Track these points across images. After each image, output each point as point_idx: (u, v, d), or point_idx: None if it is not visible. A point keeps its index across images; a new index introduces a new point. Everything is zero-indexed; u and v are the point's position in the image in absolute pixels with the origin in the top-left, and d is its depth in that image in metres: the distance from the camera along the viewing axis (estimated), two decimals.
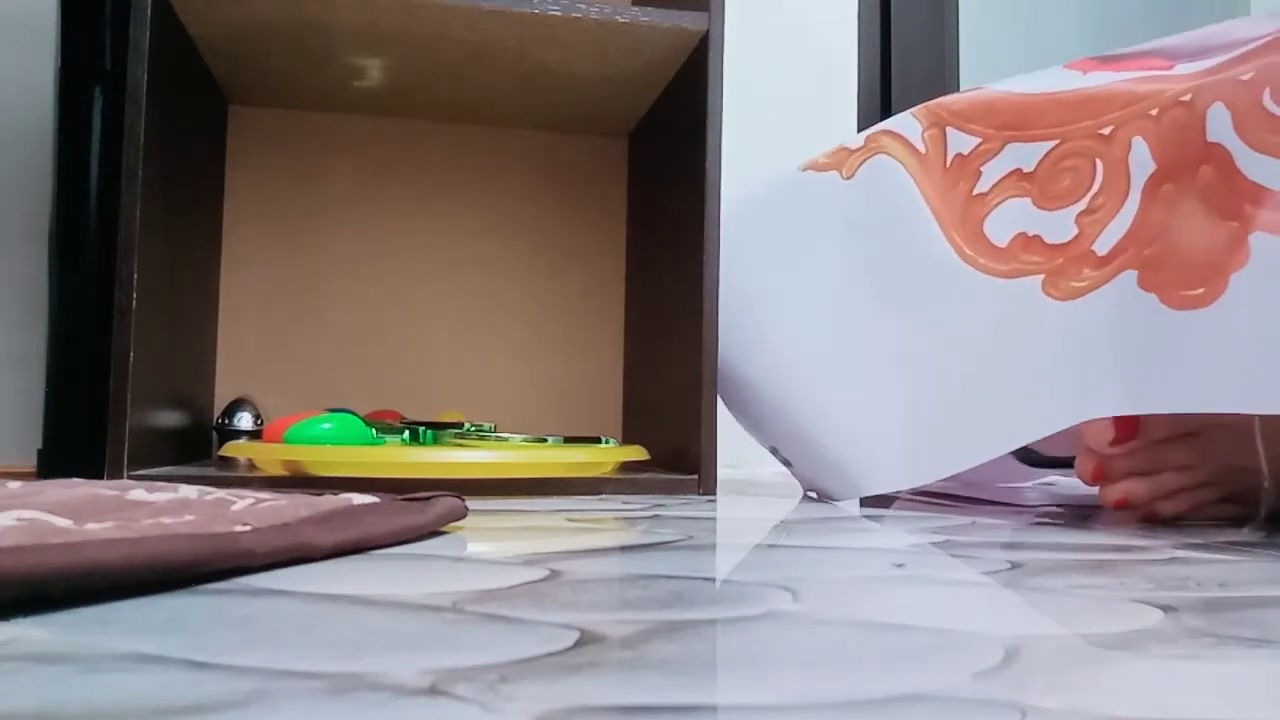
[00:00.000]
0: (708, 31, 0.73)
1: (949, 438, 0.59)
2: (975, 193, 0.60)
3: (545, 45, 0.77)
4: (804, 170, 0.68)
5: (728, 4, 0.76)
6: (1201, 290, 0.50)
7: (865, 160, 0.65)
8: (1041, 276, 0.57)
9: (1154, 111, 0.54)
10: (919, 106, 0.64)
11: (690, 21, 0.73)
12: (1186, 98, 0.52)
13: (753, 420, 0.72)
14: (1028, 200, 0.58)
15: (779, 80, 1.22)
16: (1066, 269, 0.56)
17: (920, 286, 0.61)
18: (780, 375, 0.67)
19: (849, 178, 0.65)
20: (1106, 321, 0.53)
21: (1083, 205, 0.56)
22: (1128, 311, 0.52)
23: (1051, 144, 0.57)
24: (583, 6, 0.72)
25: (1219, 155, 0.51)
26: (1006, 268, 0.58)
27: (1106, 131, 0.55)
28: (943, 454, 0.59)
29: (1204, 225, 0.51)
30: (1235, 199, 0.50)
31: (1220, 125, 0.51)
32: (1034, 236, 0.57)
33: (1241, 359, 0.48)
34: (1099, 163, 0.56)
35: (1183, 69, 0.56)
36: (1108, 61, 0.60)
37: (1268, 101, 0.49)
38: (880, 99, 1.27)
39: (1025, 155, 0.58)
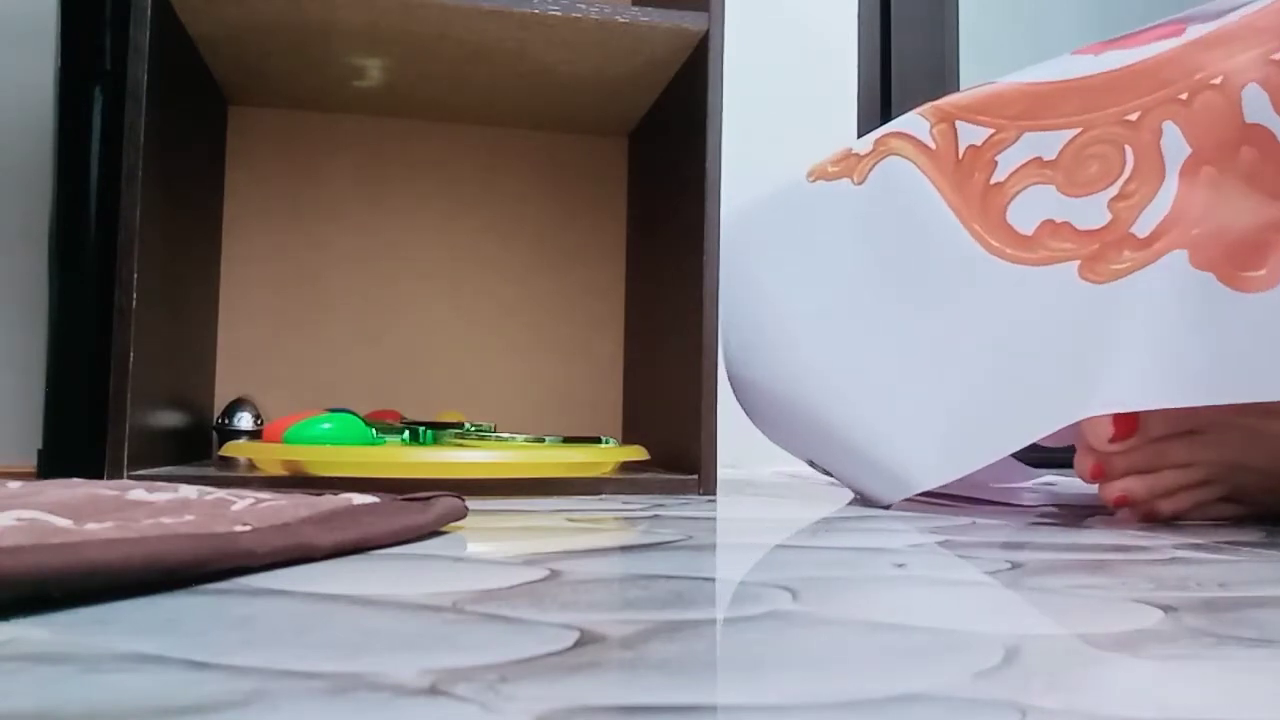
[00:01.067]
0: (708, 31, 0.73)
1: (990, 425, 0.57)
2: (993, 182, 0.59)
3: (545, 45, 0.77)
4: (814, 180, 0.67)
5: (728, 4, 0.76)
6: (1264, 272, 0.48)
7: (876, 164, 0.64)
8: (1077, 263, 0.55)
9: (1184, 96, 0.53)
10: (925, 105, 0.64)
11: (690, 21, 0.73)
12: (1217, 80, 0.51)
13: (787, 435, 0.71)
14: (1052, 188, 0.57)
15: (779, 80, 1.22)
16: (1104, 253, 0.54)
17: (946, 282, 0.60)
18: (808, 386, 0.66)
19: (860, 183, 0.65)
20: (1158, 303, 0.52)
21: (1114, 191, 0.55)
22: (1185, 292, 0.51)
23: (1074, 132, 0.56)
24: (583, 6, 0.72)
25: (1260, 136, 0.50)
26: (1035, 255, 0.57)
27: (1134, 118, 0.54)
28: (985, 441, 0.57)
29: (1253, 206, 0.50)
30: None
31: (1258, 106, 0.50)
32: (1063, 223, 0.56)
33: None
34: (1128, 149, 0.55)
35: (1195, 29, 0.54)
36: (1116, 42, 0.59)
37: None
38: (880, 99, 1.27)
39: (1044, 144, 0.57)
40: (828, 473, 0.69)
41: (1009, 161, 0.59)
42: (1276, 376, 0.47)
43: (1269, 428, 0.55)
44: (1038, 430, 0.55)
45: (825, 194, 0.66)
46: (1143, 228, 0.54)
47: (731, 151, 1.12)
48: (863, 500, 0.67)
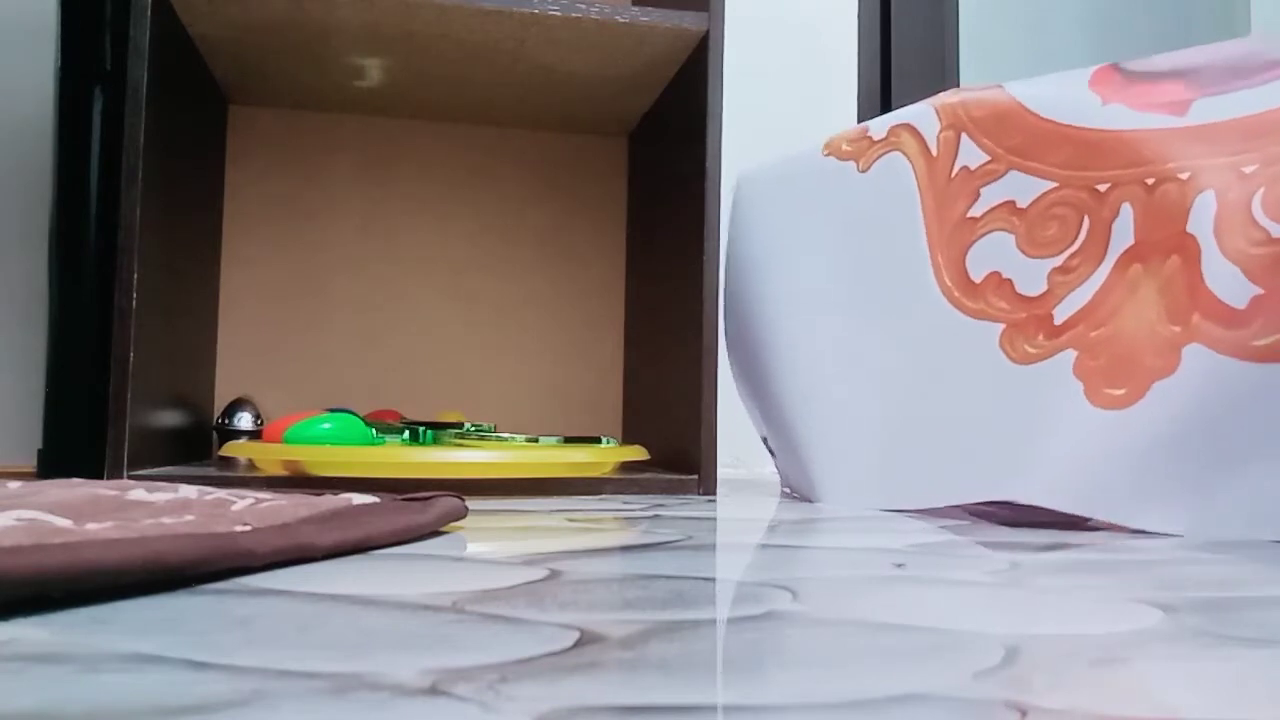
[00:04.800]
0: (708, 31, 0.73)
1: (902, 474, 0.61)
2: (968, 215, 0.60)
3: (545, 45, 0.77)
4: (826, 155, 0.68)
5: (728, 4, 0.76)
6: (1123, 392, 0.51)
7: (882, 155, 0.64)
8: (1002, 327, 0.57)
9: (1150, 180, 0.53)
10: (942, 99, 0.63)
11: (690, 21, 0.73)
12: (1185, 175, 0.51)
13: (755, 401, 0.73)
14: (1012, 238, 0.58)
15: (779, 80, 1.22)
16: (1025, 327, 0.56)
17: (901, 305, 0.62)
18: (781, 366, 0.68)
19: (865, 170, 0.65)
20: (1038, 400, 0.54)
21: (1059, 261, 0.55)
22: (1055, 395, 0.53)
23: (1050, 185, 0.57)
24: (583, 6, 0.72)
25: (1190, 249, 0.50)
26: (975, 306, 0.58)
27: (1103, 189, 0.55)
28: (893, 488, 0.61)
29: (1150, 322, 0.51)
30: (1188, 303, 0.49)
31: (1202, 217, 0.50)
32: (1007, 280, 0.57)
33: (1134, 471, 0.49)
34: (1086, 220, 0.55)
35: (1201, 106, 0.53)
36: (1131, 83, 0.58)
37: (1255, 207, 0.48)
38: (880, 99, 1.27)
39: (1023, 188, 0.58)
40: (774, 453, 0.71)
41: (988, 198, 0.59)
42: (1115, 497, 0.49)
43: None
44: (940, 499, 0.58)
45: (832, 172, 0.67)
46: (1062, 313, 0.55)
47: (731, 151, 1.12)
48: (792, 492, 0.69)
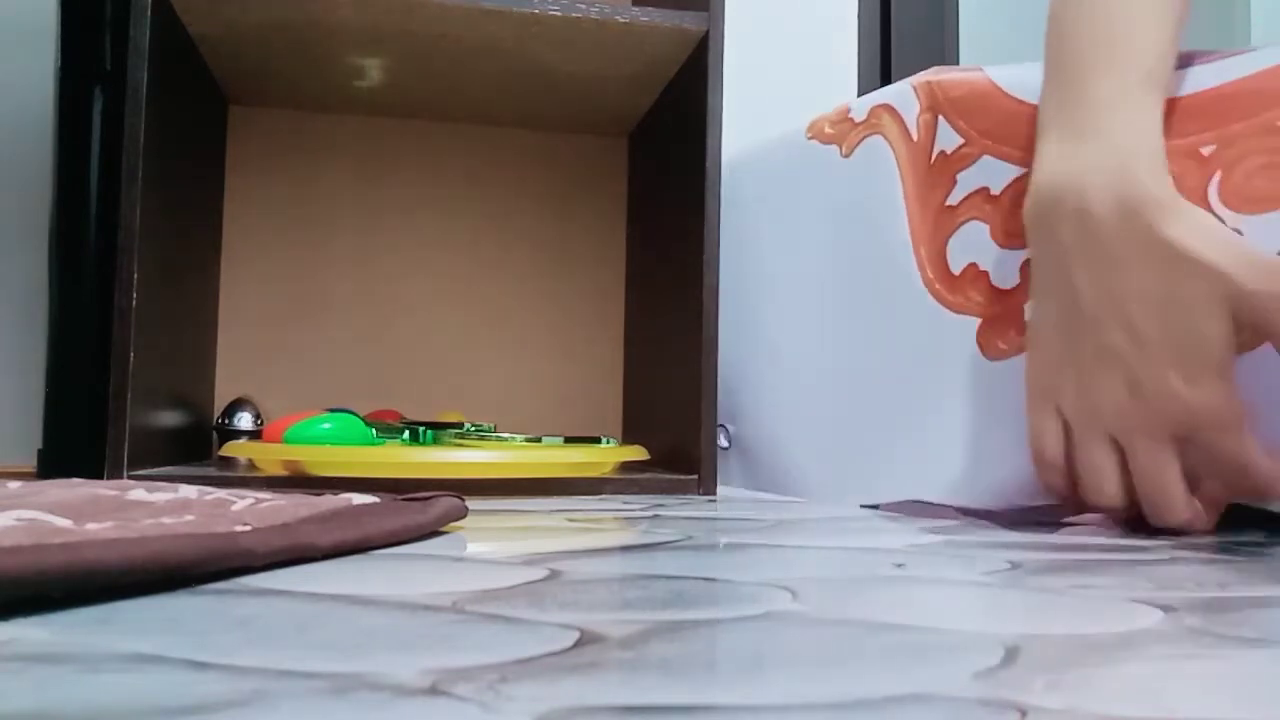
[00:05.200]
0: (708, 31, 0.73)
1: (884, 471, 0.60)
2: (947, 204, 0.58)
3: (545, 45, 0.77)
4: (810, 138, 0.67)
5: (728, 4, 0.76)
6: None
7: (864, 138, 0.64)
8: (979, 321, 0.56)
9: None
10: (921, 78, 0.62)
11: (690, 21, 0.73)
12: None
13: (726, 392, 0.73)
14: (987, 228, 0.56)
15: (779, 80, 1.22)
16: (999, 322, 0.55)
17: (885, 298, 0.61)
18: (761, 356, 0.68)
19: (847, 155, 0.64)
20: (1007, 401, 0.53)
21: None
22: (1020, 395, 0.52)
23: (1018, 171, 0.55)
24: (583, 6, 0.72)
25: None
26: (954, 299, 0.57)
27: None
28: (874, 485, 0.61)
29: None
30: None
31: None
32: (984, 273, 0.56)
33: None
34: None
35: None
36: None
37: (1212, 194, 0.47)
38: None
39: (995, 174, 0.56)
40: (727, 445, 0.71)
41: (964, 185, 0.58)
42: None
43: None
44: (926, 497, 0.58)
45: (815, 156, 0.66)
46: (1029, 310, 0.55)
47: (732, 151, 1.12)
48: (744, 484, 0.69)
